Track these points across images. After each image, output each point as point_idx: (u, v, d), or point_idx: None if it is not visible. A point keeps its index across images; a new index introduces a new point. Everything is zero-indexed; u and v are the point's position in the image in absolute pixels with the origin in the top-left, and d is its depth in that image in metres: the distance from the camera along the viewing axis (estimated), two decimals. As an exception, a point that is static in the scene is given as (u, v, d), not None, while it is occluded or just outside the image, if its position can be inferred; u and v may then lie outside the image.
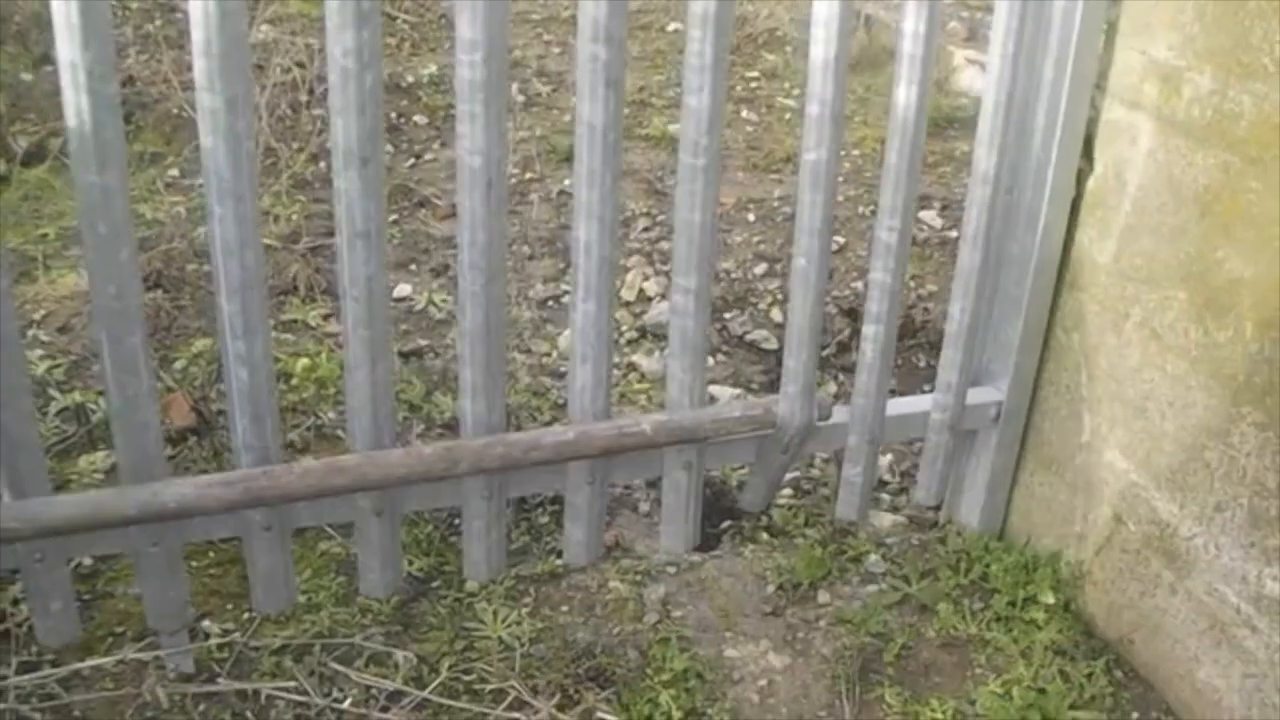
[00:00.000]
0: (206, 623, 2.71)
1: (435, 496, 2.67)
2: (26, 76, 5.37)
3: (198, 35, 2.07)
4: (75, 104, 2.04)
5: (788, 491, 3.26)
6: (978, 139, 2.69)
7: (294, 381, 3.56)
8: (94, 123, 2.05)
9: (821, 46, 2.47)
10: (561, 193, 4.93)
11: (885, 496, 3.31)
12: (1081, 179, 2.70)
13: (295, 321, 3.92)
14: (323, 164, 4.88)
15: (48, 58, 5.41)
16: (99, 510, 2.33)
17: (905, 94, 2.58)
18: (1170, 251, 2.49)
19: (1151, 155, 2.51)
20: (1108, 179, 2.63)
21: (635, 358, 3.88)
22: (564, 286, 4.22)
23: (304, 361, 3.63)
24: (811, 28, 2.46)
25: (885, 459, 3.42)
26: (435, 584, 2.87)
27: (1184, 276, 2.46)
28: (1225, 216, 2.35)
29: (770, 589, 2.93)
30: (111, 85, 2.06)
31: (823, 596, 2.92)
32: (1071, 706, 2.65)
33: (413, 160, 5.29)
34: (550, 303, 4.18)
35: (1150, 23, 2.47)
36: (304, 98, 5.21)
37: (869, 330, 2.82)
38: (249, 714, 2.51)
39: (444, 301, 4.08)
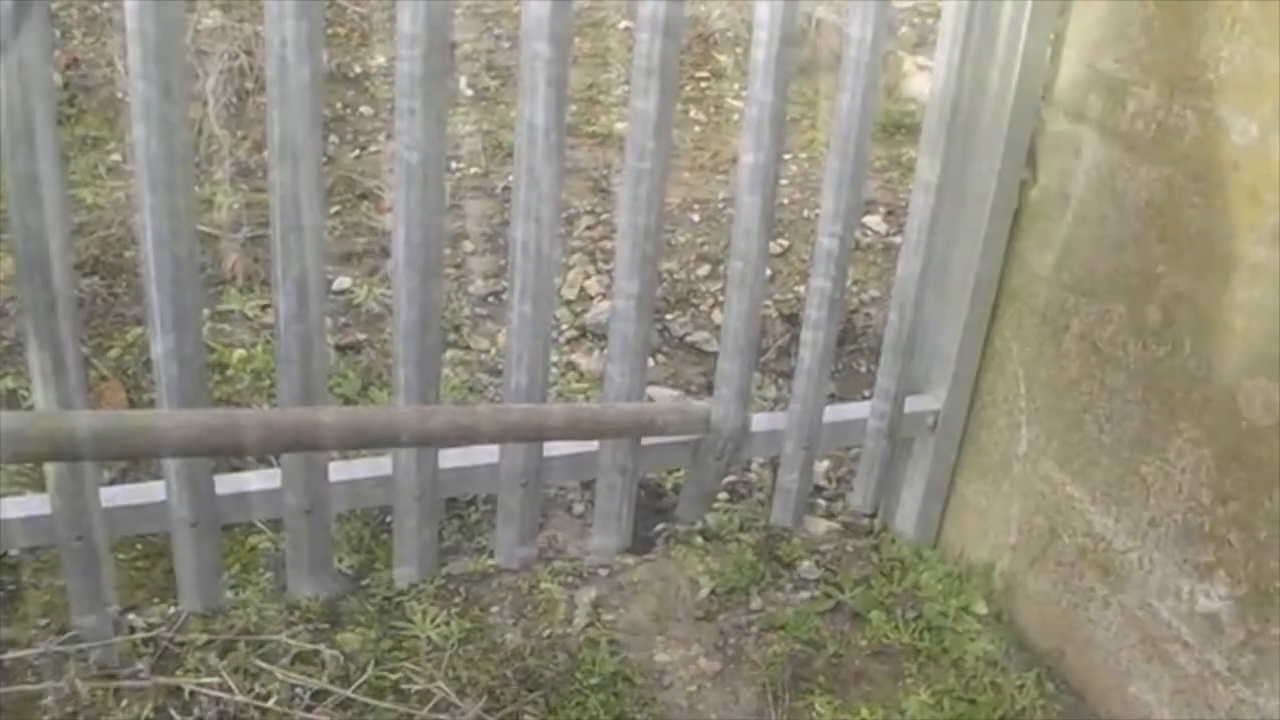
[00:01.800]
0: (131, 616, 2.66)
1: (366, 495, 2.65)
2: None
3: (131, 22, 2.03)
4: (6, 90, 1.99)
5: (723, 495, 3.24)
6: (921, 147, 2.69)
7: (229, 372, 3.52)
8: (24, 109, 2.00)
9: (762, 48, 2.46)
10: (505, 188, 4.89)
11: (821, 502, 3.30)
12: (1024, 190, 2.70)
13: (232, 311, 3.87)
14: (267, 152, 4.83)
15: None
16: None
17: (850, 100, 2.57)
18: (1111, 264, 2.49)
19: (1095, 168, 2.50)
20: (1050, 190, 2.63)
21: (575, 356, 3.85)
22: (505, 283, 4.18)
23: (240, 352, 3.59)
24: (753, 29, 2.45)
25: (822, 465, 3.41)
26: (365, 581, 2.84)
27: (1124, 290, 2.46)
28: (1166, 231, 2.35)
29: (703, 593, 2.91)
30: (45, 70, 2.01)
31: (755, 602, 2.90)
32: (1002, 718, 2.65)
33: (357, 151, 5.23)
34: (491, 299, 4.15)
35: (1097, 35, 2.47)
36: (250, 85, 5.16)
37: (808, 337, 2.81)
38: (172, 710, 2.47)
39: (384, 295, 4.04)
